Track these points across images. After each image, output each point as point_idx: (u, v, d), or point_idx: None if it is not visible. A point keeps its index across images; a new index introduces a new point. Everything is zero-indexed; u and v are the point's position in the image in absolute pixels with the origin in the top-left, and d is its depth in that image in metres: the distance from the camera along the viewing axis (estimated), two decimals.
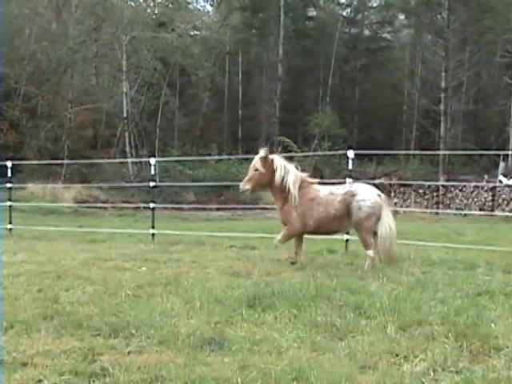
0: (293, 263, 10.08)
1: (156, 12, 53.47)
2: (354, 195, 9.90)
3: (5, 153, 38.02)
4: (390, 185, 32.15)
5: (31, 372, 4.82)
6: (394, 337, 5.73)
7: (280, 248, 10.57)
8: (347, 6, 60.86)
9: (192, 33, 52.89)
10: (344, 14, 60.72)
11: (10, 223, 16.54)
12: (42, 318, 6.31)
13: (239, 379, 4.68)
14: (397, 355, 5.26)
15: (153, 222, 14.59)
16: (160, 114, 48.20)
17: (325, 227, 10.19)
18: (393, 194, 32.45)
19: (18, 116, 43.64)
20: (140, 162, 34.42)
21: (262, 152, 10.21)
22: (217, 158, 36.90)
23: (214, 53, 52.88)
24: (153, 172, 14.89)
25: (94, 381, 4.68)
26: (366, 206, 9.84)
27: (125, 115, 45.62)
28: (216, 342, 5.53)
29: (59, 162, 33.41)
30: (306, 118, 49.21)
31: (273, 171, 10.16)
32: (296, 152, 38.71)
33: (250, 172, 10.28)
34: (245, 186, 10.27)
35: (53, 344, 5.49)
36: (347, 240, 12.15)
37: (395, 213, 13.22)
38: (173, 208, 24.59)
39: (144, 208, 22.07)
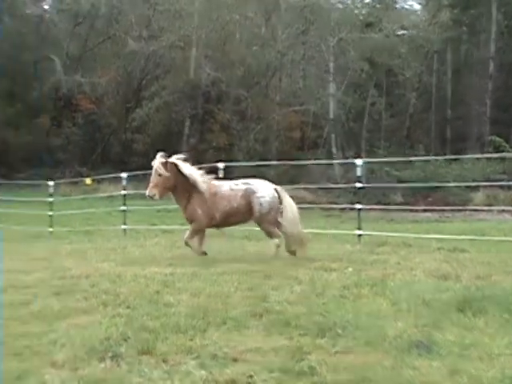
0: (205, 253, 11.04)
1: (363, 13, 53.32)
2: (253, 192, 10.85)
3: (216, 154, 39.60)
4: None
5: (242, 367, 4.94)
6: None
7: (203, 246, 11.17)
8: None
9: (399, 32, 52.19)
10: None
11: None
12: (251, 315, 6.47)
13: None
14: None
15: (359, 223, 14.57)
16: (366, 115, 48.04)
17: (230, 219, 11.08)
18: None
19: (228, 119, 45.22)
20: (346, 163, 34.42)
21: (160, 157, 10.82)
22: (424, 158, 36.14)
23: (422, 52, 51.85)
24: (359, 173, 14.83)
25: (302, 379, 4.72)
26: (266, 201, 10.82)
27: (331, 116, 45.88)
28: (424, 345, 5.40)
29: (268, 163, 34.18)
30: None
31: (175, 174, 10.72)
32: (508, 152, 37.15)
33: (154, 178, 10.73)
34: (151, 191, 10.76)
35: (262, 341, 5.60)
36: None
37: None
38: (379, 209, 24.35)
39: (350, 209, 22.08)
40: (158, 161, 10.89)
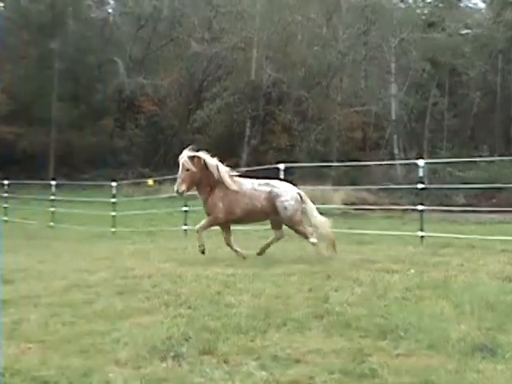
0: (203, 252, 11.13)
1: (425, 12, 52.73)
2: (278, 196, 10.96)
3: (277, 155, 39.61)
4: None
5: (303, 369, 4.93)
6: None
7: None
8: None
9: (463, 31, 51.43)
10: None
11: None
12: (312, 316, 6.43)
13: None
14: None
15: (421, 224, 14.40)
16: (429, 115, 47.50)
17: (250, 217, 11.33)
18: None
19: (289, 119, 45.19)
20: (408, 164, 34.07)
21: (188, 152, 10.86)
22: (488, 159, 35.57)
23: (486, 51, 50.97)
24: (421, 174, 14.68)
25: (363, 381, 4.69)
26: (290, 204, 10.92)
27: (393, 117, 45.53)
28: (488, 348, 5.29)
29: (329, 164, 34.07)
30: None
31: (201, 168, 10.92)
32: None
33: (182, 173, 10.81)
34: (181, 187, 10.89)
35: (323, 343, 5.57)
36: None
37: None
38: (441, 210, 24.05)
39: (412, 210, 21.86)
40: (186, 155, 10.97)
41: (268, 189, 11.05)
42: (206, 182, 11.04)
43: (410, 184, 25.23)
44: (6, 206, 25.09)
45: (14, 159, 43.76)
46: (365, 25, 46.43)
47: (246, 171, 14.40)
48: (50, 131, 46.49)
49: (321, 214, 11.29)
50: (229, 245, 11.45)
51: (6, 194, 25.70)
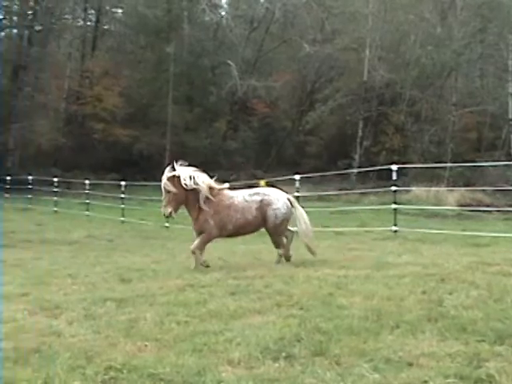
0: (208, 266, 10.69)
1: None
2: (269, 204, 10.93)
3: (390, 156, 39.19)
4: None
5: (417, 372, 4.86)
6: None
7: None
8: None
9: None
10: None
11: (395, 225, 16.98)
12: (426, 319, 6.33)
13: None
14: None
15: None
16: None
17: (242, 230, 11.24)
18: None
19: (402, 120, 44.65)
20: None
21: (167, 173, 10.62)
22: None
23: None
24: None
25: None
26: (281, 213, 10.97)
27: (510, 117, 44.15)
28: None
29: (443, 165, 33.45)
30: None
31: (183, 186, 10.72)
32: None
33: (165, 196, 10.59)
34: (166, 210, 10.69)
35: (437, 346, 5.47)
36: None
37: None
38: None
39: None
40: (165, 177, 10.81)
41: (259, 198, 11.02)
42: (194, 198, 10.90)
43: None
44: (123, 206, 25.80)
45: (130, 161, 45.08)
46: (481, 22, 45.24)
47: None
48: (165, 133, 47.51)
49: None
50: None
51: (122, 195, 26.42)
